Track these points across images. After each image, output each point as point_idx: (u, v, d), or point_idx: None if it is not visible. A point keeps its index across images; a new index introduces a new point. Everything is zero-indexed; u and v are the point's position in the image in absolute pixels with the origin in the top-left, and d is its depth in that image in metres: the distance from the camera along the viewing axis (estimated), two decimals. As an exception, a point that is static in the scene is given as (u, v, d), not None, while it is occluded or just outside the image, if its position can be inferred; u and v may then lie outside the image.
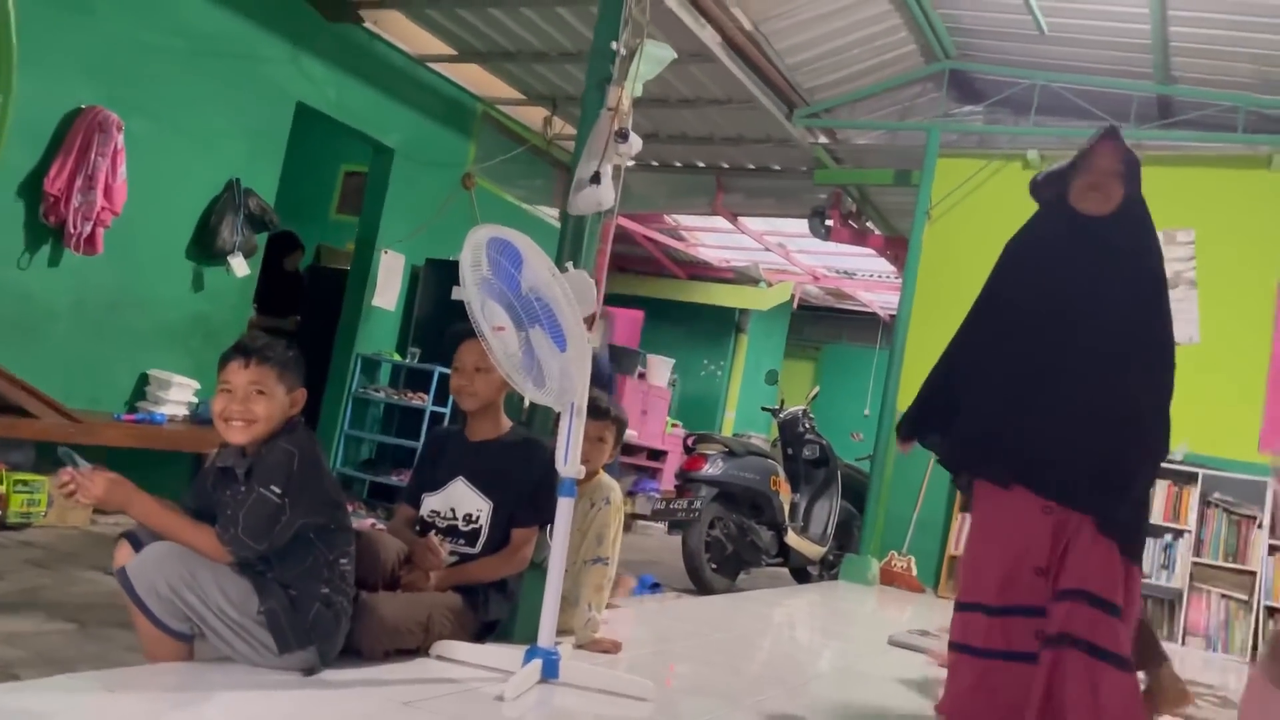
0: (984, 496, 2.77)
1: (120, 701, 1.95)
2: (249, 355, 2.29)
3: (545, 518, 2.87)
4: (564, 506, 2.63)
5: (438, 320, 6.77)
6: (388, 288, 6.90)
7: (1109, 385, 2.64)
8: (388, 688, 2.31)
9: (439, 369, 6.33)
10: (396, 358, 6.89)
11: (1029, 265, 2.88)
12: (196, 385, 5.21)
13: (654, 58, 3.21)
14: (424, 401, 6.50)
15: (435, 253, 7.00)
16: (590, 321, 2.71)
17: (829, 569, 6.45)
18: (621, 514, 3.28)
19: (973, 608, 2.68)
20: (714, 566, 5.39)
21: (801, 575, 6.32)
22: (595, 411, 3.15)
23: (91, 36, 4.74)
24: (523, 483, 2.86)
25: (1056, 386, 2.66)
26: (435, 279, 6.95)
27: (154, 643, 2.17)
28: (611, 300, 10.27)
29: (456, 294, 3.13)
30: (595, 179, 3.11)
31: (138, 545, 2.21)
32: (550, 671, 2.54)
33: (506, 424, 2.98)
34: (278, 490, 2.20)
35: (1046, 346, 2.70)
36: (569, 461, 2.62)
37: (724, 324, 12.26)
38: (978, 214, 6.89)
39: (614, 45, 3.21)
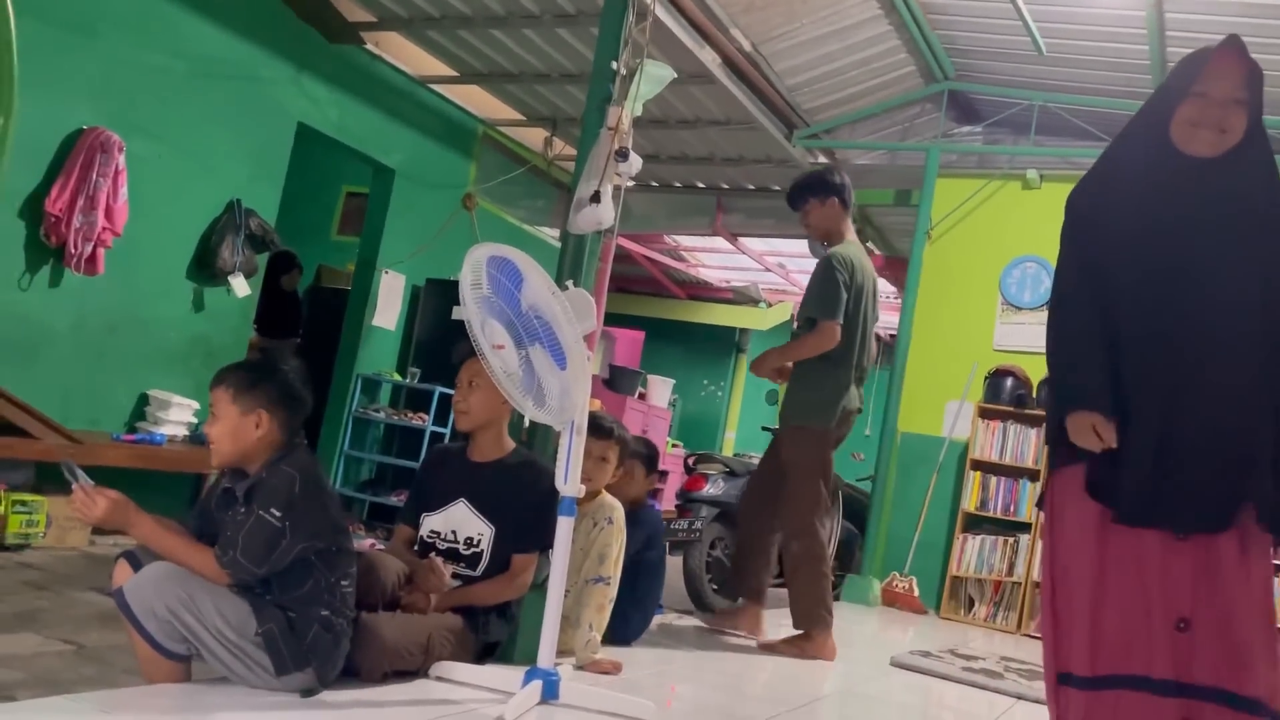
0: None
1: (117, 724, 1.94)
2: (213, 379, 2.33)
3: (546, 543, 2.85)
4: (564, 526, 2.62)
5: (438, 340, 6.77)
6: (388, 308, 6.90)
7: (1257, 382, 2.08)
8: (387, 709, 2.29)
9: (439, 389, 6.33)
10: (397, 378, 6.88)
11: (1123, 229, 2.18)
12: (196, 405, 5.20)
13: (654, 77, 3.23)
14: (424, 422, 6.49)
15: (436, 273, 7.01)
16: (590, 340, 2.71)
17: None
18: (624, 534, 3.26)
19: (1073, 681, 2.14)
20: (715, 587, 5.35)
21: (803, 596, 6.28)
22: (598, 430, 3.14)
23: (93, 58, 4.76)
24: (524, 506, 2.84)
25: (1193, 391, 2.09)
26: (436, 299, 6.95)
27: (151, 664, 2.15)
28: (612, 320, 10.27)
29: (457, 314, 3.14)
30: (595, 198, 3.12)
31: (137, 565, 2.20)
32: (550, 693, 2.52)
33: (509, 445, 2.96)
34: (278, 513, 2.19)
35: (1171, 339, 2.10)
36: (569, 480, 2.61)
37: (724, 344, 12.26)
38: (977, 233, 6.91)
39: (614, 65, 3.23)
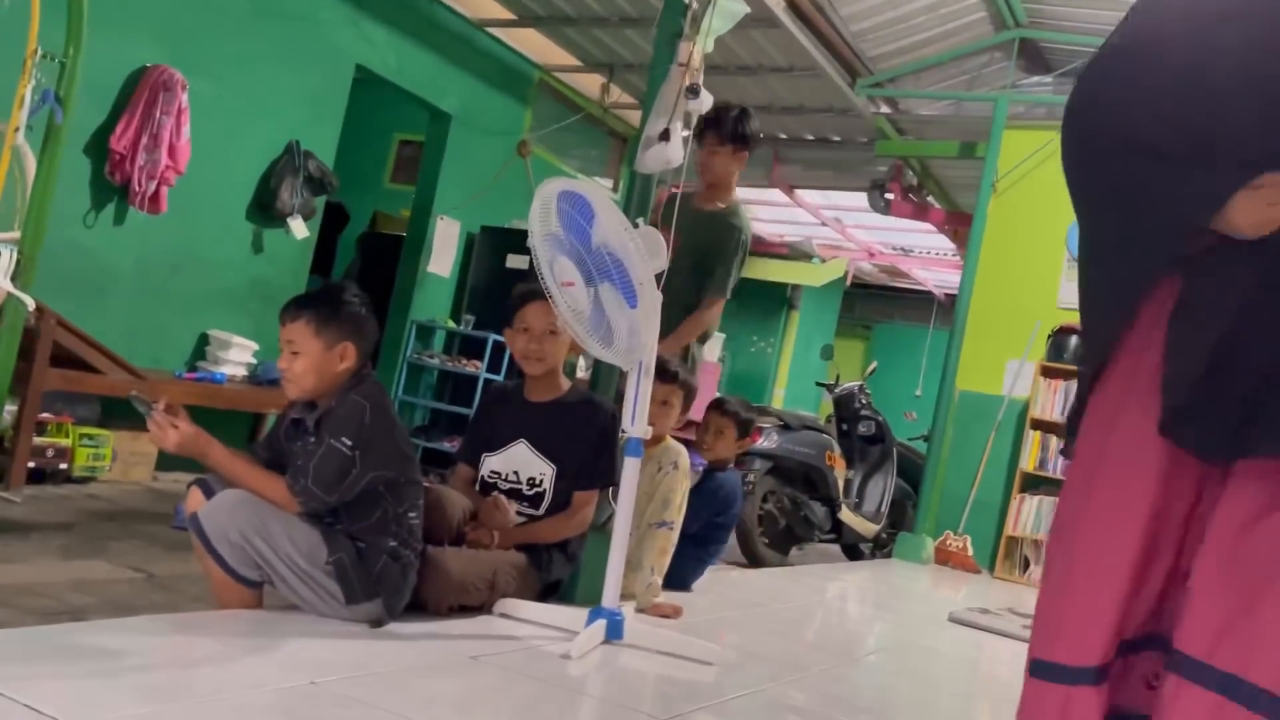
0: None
1: (193, 644, 1.95)
2: (286, 312, 2.29)
3: (606, 480, 2.82)
4: (630, 467, 2.58)
5: (492, 287, 6.75)
6: (443, 254, 6.89)
7: None
8: (454, 642, 2.29)
9: (493, 336, 6.32)
10: (451, 324, 6.89)
11: None
12: (255, 346, 5.24)
13: (727, 11, 3.12)
14: (478, 369, 6.50)
15: (491, 220, 6.98)
16: (659, 280, 2.65)
17: (881, 547, 6.36)
18: (688, 479, 3.23)
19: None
20: (766, 541, 5.33)
21: (854, 552, 6.24)
22: (662, 374, 3.11)
23: (157, -5, 4.75)
24: (584, 445, 2.81)
25: None
26: (490, 246, 6.92)
27: (224, 589, 2.17)
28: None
29: (512, 261, 3.12)
30: (665, 136, 3.03)
31: (209, 492, 2.20)
32: (615, 633, 2.51)
33: (565, 383, 2.93)
34: (349, 442, 2.18)
35: None
36: (636, 421, 2.57)
37: (776, 300, 12.13)
38: (1044, 188, 6.70)
39: (686, -1, 3.13)
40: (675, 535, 3.15)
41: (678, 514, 3.16)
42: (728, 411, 3.80)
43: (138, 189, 4.61)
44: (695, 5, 3.13)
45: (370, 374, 2.34)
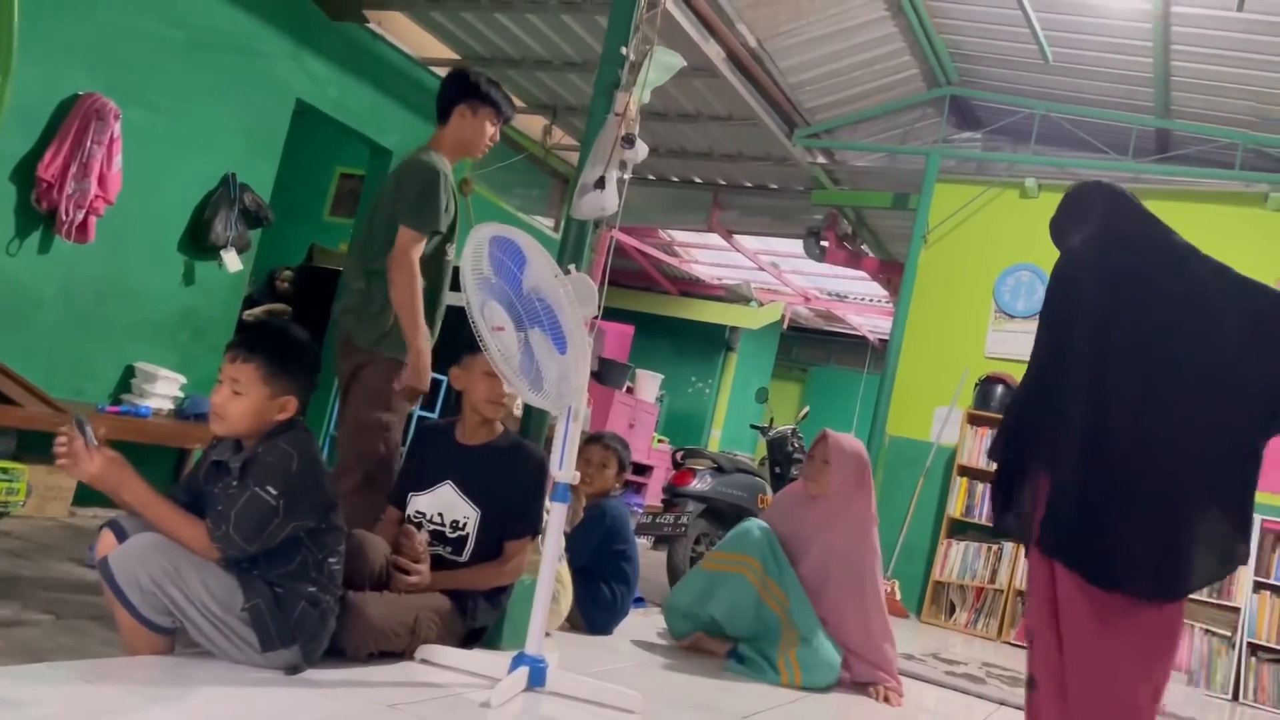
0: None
1: (98, 693, 1.90)
2: (238, 350, 2.24)
3: (537, 528, 2.83)
4: (557, 512, 2.59)
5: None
6: (380, 290, 6.83)
7: None
8: (372, 689, 2.26)
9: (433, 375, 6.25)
10: (386, 361, 6.81)
11: None
12: (183, 380, 5.14)
13: (664, 64, 3.20)
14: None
15: (429, 257, 6.94)
16: (590, 326, 2.68)
17: (813, 590, 6.40)
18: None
19: None
20: (699, 583, 5.34)
21: (786, 595, 6.27)
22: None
23: (92, 23, 4.69)
24: (513, 491, 2.81)
25: None
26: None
27: (134, 635, 2.11)
28: (602, 314, 10.23)
29: (451, 299, 3.12)
30: (600, 184, 3.08)
31: (121, 535, 2.15)
32: (537, 680, 2.50)
33: (499, 428, 2.93)
34: (274, 491, 2.14)
35: None
36: (564, 466, 2.58)
37: (714, 342, 12.24)
38: (973, 240, 6.91)
39: (624, 50, 3.20)
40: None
41: None
42: (609, 445, 3.85)
43: (65, 218, 4.52)
44: (632, 57, 3.20)
45: (300, 421, 2.31)
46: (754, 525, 3.70)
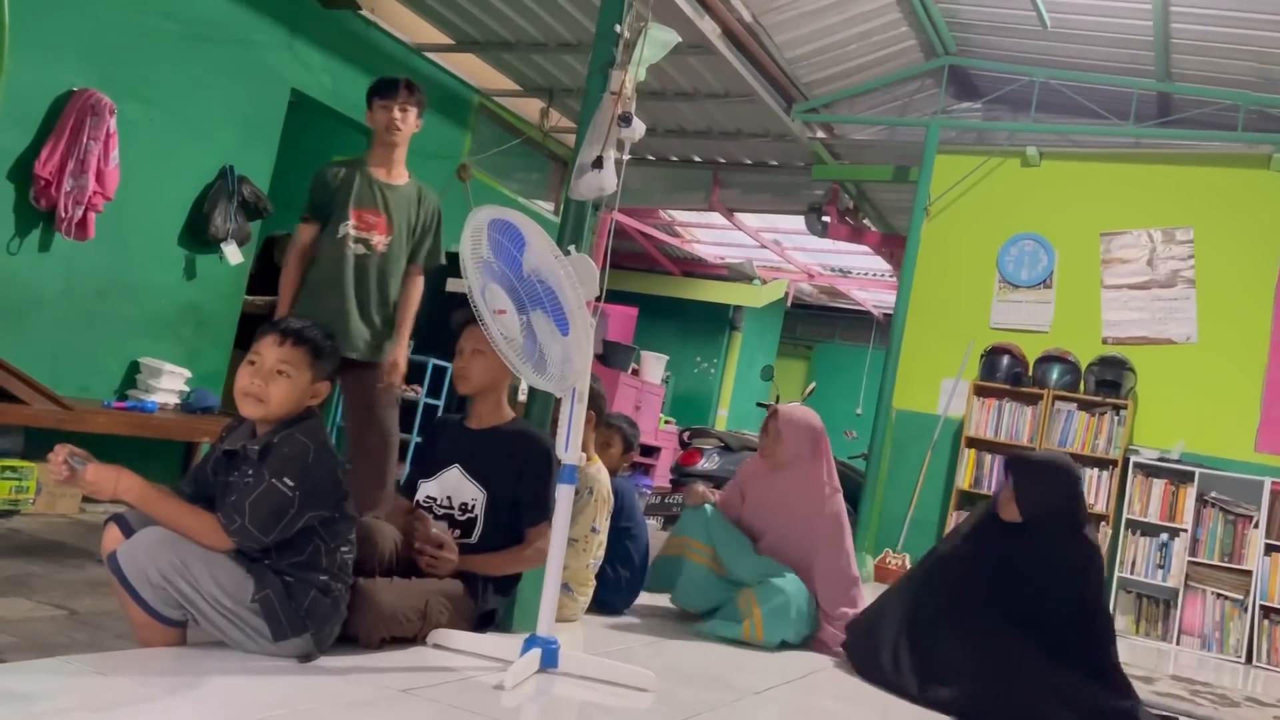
0: None
1: (112, 685, 1.90)
2: (286, 333, 2.25)
3: (552, 511, 2.83)
4: (564, 494, 2.59)
5: (432, 312, 6.67)
6: (382, 279, 6.81)
7: None
8: (385, 675, 2.26)
9: (433, 360, 6.28)
10: (390, 349, 6.80)
11: None
12: (188, 374, 5.15)
13: (658, 41, 3.17)
14: (418, 393, 6.44)
15: (430, 244, 6.92)
16: (592, 306, 2.67)
17: (824, 566, 6.41)
18: (608, 503, 3.36)
19: None
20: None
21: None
22: (605, 420, 3.21)
23: (85, 18, 4.67)
24: (521, 475, 2.81)
25: None
26: (429, 270, 6.86)
27: (145, 628, 2.12)
28: (605, 296, 10.22)
29: (452, 286, 3.15)
30: (598, 164, 3.06)
31: (127, 530, 2.15)
32: (549, 661, 2.50)
33: (508, 413, 2.93)
34: (290, 483, 2.14)
35: None
36: (570, 448, 2.58)
37: (718, 321, 12.22)
38: (976, 210, 6.87)
39: (617, 28, 3.17)
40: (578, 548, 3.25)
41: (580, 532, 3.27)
42: (612, 424, 3.86)
43: (64, 215, 4.52)
44: (627, 34, 3.17)
45: (315, 410, 2.31)
46: (687, 511, 3.85)
